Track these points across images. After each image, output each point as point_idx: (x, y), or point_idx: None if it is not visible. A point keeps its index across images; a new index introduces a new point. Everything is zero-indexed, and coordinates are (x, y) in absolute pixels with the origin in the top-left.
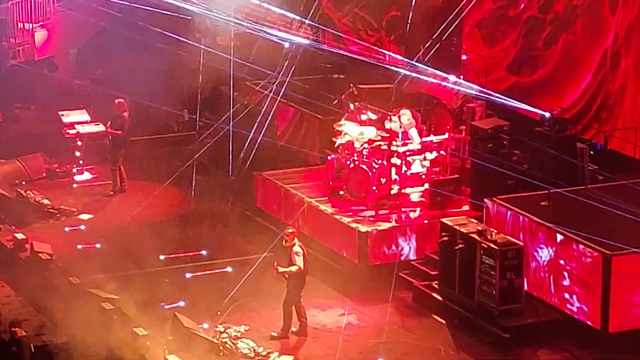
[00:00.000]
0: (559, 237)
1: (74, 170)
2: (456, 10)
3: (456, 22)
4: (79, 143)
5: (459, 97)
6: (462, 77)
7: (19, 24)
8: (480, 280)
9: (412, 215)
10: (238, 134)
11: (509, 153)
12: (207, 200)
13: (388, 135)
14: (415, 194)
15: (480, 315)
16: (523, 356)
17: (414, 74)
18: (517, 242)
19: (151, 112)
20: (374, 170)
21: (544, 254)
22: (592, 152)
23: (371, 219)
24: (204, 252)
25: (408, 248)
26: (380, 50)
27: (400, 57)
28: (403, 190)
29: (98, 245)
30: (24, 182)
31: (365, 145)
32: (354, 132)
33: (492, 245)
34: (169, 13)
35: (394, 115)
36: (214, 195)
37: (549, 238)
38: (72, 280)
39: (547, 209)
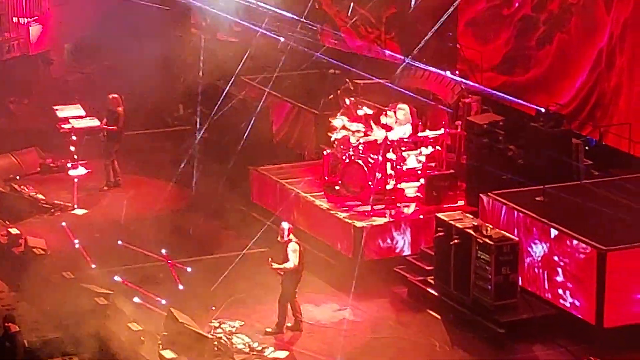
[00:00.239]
0: (554, 232)
1: (69, 165)
2: (452, 7)
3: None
4: (74, 138)
5: (455, 92)
6: (457, 72)
7: (14, 18)
8: (475, 276)
9: (407, 210)
10: (234, 128)
11: (505, 148)
12: (202, 195)
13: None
14: (410, 189)
15: (475, 311)
16: (518, 351)
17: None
18: (513, 237)
19: (146, 107)
20: (370, 165)
21: (539, 249)
22: (587, 148)
23: (366, 214)
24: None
25: (403, 243)
26: (378, 47)
27: (398, 56)
28: (399, 186)
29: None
30: (18, 177)
31: (361, 140)
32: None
33: (487, 240)
34: (166, 8)
35: (390, 110)
36: (209, 190)
37: (544, 233)
38: (66, 275)
39: (542, 204)
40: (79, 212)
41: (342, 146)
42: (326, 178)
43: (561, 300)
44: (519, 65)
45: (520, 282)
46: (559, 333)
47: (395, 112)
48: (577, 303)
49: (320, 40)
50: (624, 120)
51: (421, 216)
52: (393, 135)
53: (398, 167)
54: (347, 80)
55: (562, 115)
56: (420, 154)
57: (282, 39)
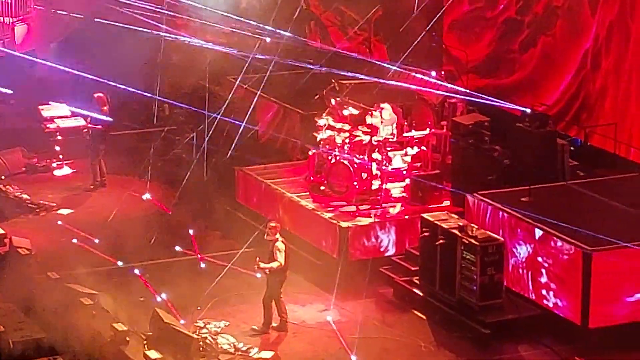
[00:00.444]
0: (539, 232)
1: (54, 164)
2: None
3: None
4: (59, 137)
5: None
6: (443, 73)
7: None
8: (460, 276)
9: (392, 210)
10: (219, 128)
11: (490, 149)
12: (186, 194)
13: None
14: (396, 189)
15: (460, 311)
16: (503, 351)
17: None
18: (498, 237)
19: (132, 107)
20: (355, 165)
21: (523, 250)
22: (572, 148)
23: (352, 214)
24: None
25: (388, 243)
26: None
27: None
28: (384, 186)
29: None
30: (3, 177)
31: (347, 140)
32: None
33: (472, 240)
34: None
35: (375, 110)
36: (193, 190)
37: (529, 234)
38: (51, 275)
39: (528, 205)
40: (64, 211)
41: (327, 146)
42: (312, 178)
43: (546, 301)
44: (502, 67)
45: (505, 283)
46: (545, 333)
47: (380, 112)
48: (562, 303)
49: (307, 41)
50: (610, 122)
51: (406, 216)
52: (378, 136)
53: (383, 167)
54: (333, 80)
55: (547, 116)
56: (405, 154)
57: (267, 40)
